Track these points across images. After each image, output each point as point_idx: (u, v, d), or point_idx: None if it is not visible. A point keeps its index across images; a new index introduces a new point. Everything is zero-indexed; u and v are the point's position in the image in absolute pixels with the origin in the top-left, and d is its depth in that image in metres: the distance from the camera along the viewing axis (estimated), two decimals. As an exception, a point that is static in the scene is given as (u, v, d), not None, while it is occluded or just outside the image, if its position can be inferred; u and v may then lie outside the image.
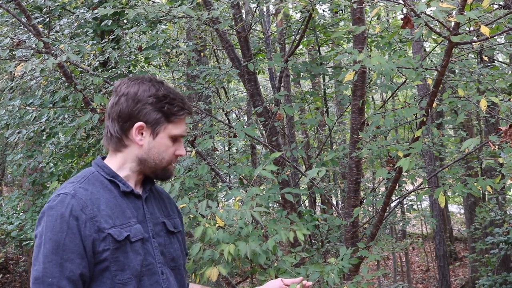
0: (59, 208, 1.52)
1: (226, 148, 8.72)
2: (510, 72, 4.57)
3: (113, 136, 1.65)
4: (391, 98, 6.34)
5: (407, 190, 5.05)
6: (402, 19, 2.82)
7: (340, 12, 7.67)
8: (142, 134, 1.64)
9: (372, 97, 9.56)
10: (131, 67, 6.58)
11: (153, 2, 7.30)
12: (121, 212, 1.59)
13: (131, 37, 4.83)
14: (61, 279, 1.48)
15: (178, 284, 1.73)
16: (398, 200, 4.86)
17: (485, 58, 5.34)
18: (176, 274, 1.72)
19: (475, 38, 3.38)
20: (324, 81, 8.45)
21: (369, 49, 6.78)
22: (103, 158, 1.71)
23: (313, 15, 5.23)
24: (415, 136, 3.41)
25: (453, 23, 2.88)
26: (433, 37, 4.63)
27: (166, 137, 1.65)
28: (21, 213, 7.90)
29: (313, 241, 5.33)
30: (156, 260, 1.63)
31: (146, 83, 1.66)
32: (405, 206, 6.02)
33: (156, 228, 1.68)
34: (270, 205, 4.33)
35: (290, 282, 1.86)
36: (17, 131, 5.50)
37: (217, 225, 2.98)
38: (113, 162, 1.67)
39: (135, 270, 1.56)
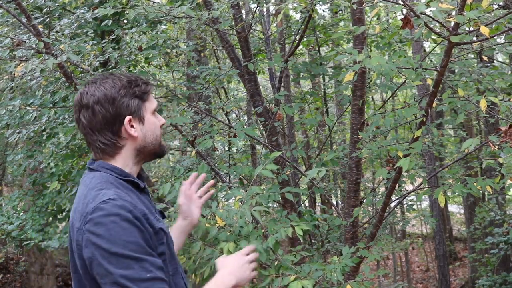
0: (119, 211, 1.48)
1: (226, 148, 8.72)
2: (510, 72, 4.58)
3: (108, 144, 1.62)
4: (391, 98, 6.34)
5: (407, 190, 5.06)
6: (402, 19, 2.83)
7: (340, 12, 7.68)
8: (133, 126, 1.64)
9: (372, 97, 9.57)
10: (131, 67, 6.59)
11: (153, 2, 7.30)
12: (147, 208, 1.61)
13: (131, 37, 4.83)
14: (156, 271, 1.48)
15: None
16: (398, 200, 4.86)
17: (485, 58, 5.35)
18: None
19: (474, 38, 3.38)
20: (324, 81, 8.46)
21: (369, 49, 6.78)
22: (94, 160, 1.68)
23: (313, 16, 5.24)
24: (415, 136, 3.41)
25: (452, 23, 2.88)
26: (432, 37, 4.64)
27: (150, 116, 1.70)
28: (21, 213, 7.90)
29: (313, 241, 5.33)
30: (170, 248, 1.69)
31: (105, 81, 1.64)
32: (405, 206, 6.02)
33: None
34: (270, 205, 4.34)
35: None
36: (17, 131, 5.51)
37: (217, 225, 2.98)
38: (117, 164, 1.66)
39: (175, 261, 1.66)
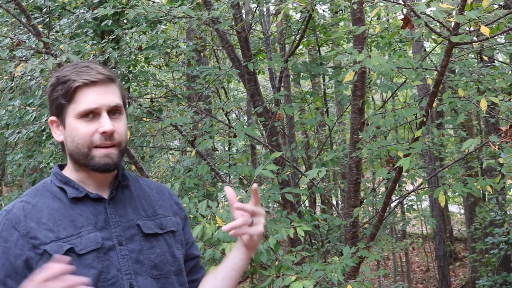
0: None
1: (226, 148, 8.72)
2: (510, 72, 4.57)
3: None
4: (391, 98, 6.34)
5: (407, 190, 5.06)
6: (402, 19, 2.83)
7: (340, 12, 7.67)
8: (59, 128, 1.47)
9: (372, 97, 9.57)
10: (131, 67, 6.58)
11: (153, 2, 7.30)
12: (70, 222, 1.39)
13: (131, 37, 4.83)
14: None
15: None
16: (398, 200, 4.86)
17: (485, 58, 5.34)
18: (163, 284, 1.46)
19: (475, 38, 3.38)
20: (324, 81, 8.45)
21: (369, 49, 6.78)
22: (62, 165, 1.53)
23: (313, 16, 5.24)
24: (415, 136, 3.41)
25: (453, 23, 2.88)
26: (433, 37, 4.64)
27: (72, 120, 1.41)
28: (21, 213, 7.88)
29: (313, 241, 5.33)
30: (122, 271, 1.40)
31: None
32: (405, 206, 6.02)
33: (127, 232, 1.44)
34: (270, 205, 4.33)
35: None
36: (17, 131, 5.51)
37: (217, 225, 2.98)
38: (67, 167, 1.50)
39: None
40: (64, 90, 1.41)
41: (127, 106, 1.58)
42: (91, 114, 1.40)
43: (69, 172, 1.48)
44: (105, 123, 1.39)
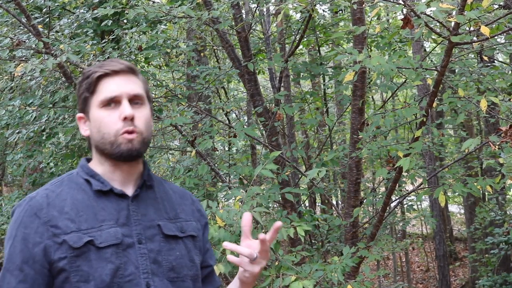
0: (16, 213, 1.42)
1: (226, 148, 8.72)
2: (510, 72, 4.57)
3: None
4: (391, 98, 6.34)
5: (407, 190, 5.06)
6: (402, 19, 2.83)
7: (340, 12, 7.67)
8: (85, 123, 1.49)
9: (372, 97, 9.57)
10: (131, 67, 6.56)
11: (153, 2, 7.29)
12: (92, 214, 1.39)
13: (131, 37, 4.83)
14: None
15: None
16: (398, 200, 4.86)
17: (485, 58, 5.35)
18: (178, 287, 1.45)
19: (475, 38, 3.38)
20: (324, 81, 8.45)
21: (369, 49, 6.78)
22: (88, 159, 1.55)
23: (313, 16, 5.24)
24: (415, 136, 3.41)
25: (453, 23, 2.88)
26: (433, 37, 4.64)
27: (96, 110, 1.44)
28: (21, 213, 7.88)
29: (313, 241, 5.33)
30: (140, 269, 1.39)
31: None
32: (405, 206, 6.02)
33: (148, 232, 1.44)
34: (270, 205, 4.34)
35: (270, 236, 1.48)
36: (17, 131, 5.51)
37: (217, 225, 2.98)
38: (93, 161, 1.52)
39: (101, 282, 1.34)
40: (88, 83, 1.44)
41: (152, 101, 1.56)
42: (113, 103, 1.43)
43: (95, 165, 1.49)
44: (125, 108, 1.41)
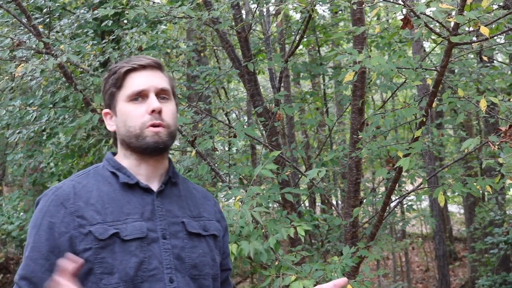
0: (42, 202, 1.43)
1: (226, 148, 8.72)
2: (509, 72, 4.58)
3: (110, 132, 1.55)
4: (391, 98, 6.34)
5: (407, 190, 5.06)
6: (402, 19, 2.83)
7: (340, 12, 7.68)
8: (111, 119, 1.51)
9: (372, 97, 9.57)
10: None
11: (153, 2, 7.31)
12: (118, 207, 1.40)
13: (131, 38, 4.84)
14: (21, 279, 1.36)
15: None
16: (398, 200, 4.87)
17: (485, 58, 5.35)
18: (199, 285, 1.45)
19: (474, 38, 3.39)
20: (324, 81, 8.46)
21: (369, 50, 6.79)
22: (114, 153, 1.55)
23: (313, 16, 5.24)
24: (415, 136, 3.42)
25: (452, 24, 2.89)
26: (432, 37, 4.64)
27: (123, 104, 1.46)
28: (21, 213, 7.91)
29: (313, 241, 5.34)
30: (164, 264, 1.39)
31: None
32: (405, 206, 6.02)
33: (172, 228, 1.44)
34: (270, 205, 4.34)
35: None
36: (17, 131, 5.51)
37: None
38: (118, 155, 1.52)
39: (125, 274, 1.33)
40: (114, 78, 1.47)
41: (177, 97, 1.58)
42: (140, 97, 1.45)
43: (120, 160, 1.50)
44: (153, 102, 1.43)
